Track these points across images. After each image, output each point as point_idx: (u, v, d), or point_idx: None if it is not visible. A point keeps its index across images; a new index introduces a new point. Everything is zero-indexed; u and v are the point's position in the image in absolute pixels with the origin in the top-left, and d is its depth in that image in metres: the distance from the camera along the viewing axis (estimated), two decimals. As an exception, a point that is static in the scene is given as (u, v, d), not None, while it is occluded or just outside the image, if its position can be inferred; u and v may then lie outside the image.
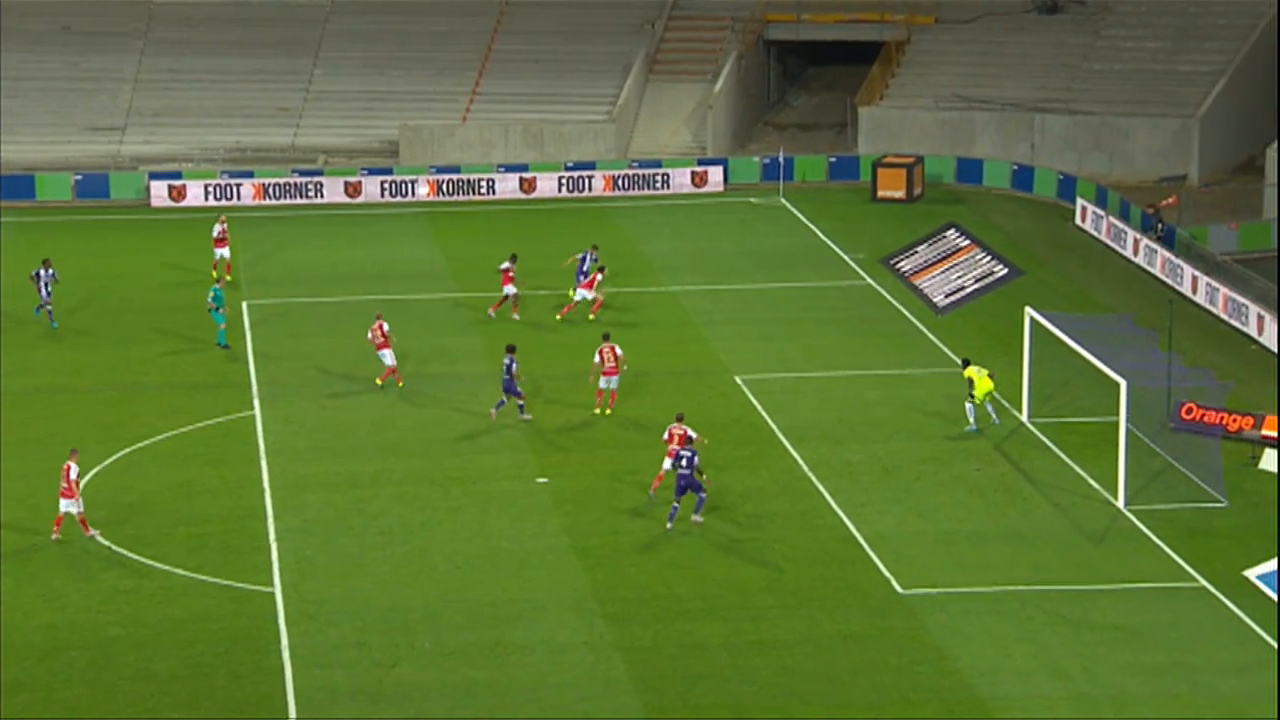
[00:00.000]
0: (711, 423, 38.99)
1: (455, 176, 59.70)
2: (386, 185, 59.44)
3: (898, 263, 51.90)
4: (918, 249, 52.57)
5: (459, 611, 31.27)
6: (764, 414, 39.90)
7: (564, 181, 59.41)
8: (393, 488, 36.28)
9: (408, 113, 63.55)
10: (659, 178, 59.52)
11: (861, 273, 51.28)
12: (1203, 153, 59.34)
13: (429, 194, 59.21)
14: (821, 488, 35.84)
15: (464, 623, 30.88)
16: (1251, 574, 31.91)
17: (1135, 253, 52.18)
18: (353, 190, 59.37)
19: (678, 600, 31.40)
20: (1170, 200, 53.35)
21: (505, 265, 45.48)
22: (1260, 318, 45.12)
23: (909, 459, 37.40)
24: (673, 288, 46.35)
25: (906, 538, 33.73)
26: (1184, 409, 38.68)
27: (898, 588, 31.89)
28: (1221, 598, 31.47)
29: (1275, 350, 43.40)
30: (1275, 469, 36.37)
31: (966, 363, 39.07)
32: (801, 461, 37.30)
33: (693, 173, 59.67)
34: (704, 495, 34.12)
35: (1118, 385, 35.14)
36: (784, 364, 43.05)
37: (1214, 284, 47.62)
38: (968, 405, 38.27)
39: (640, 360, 43.59)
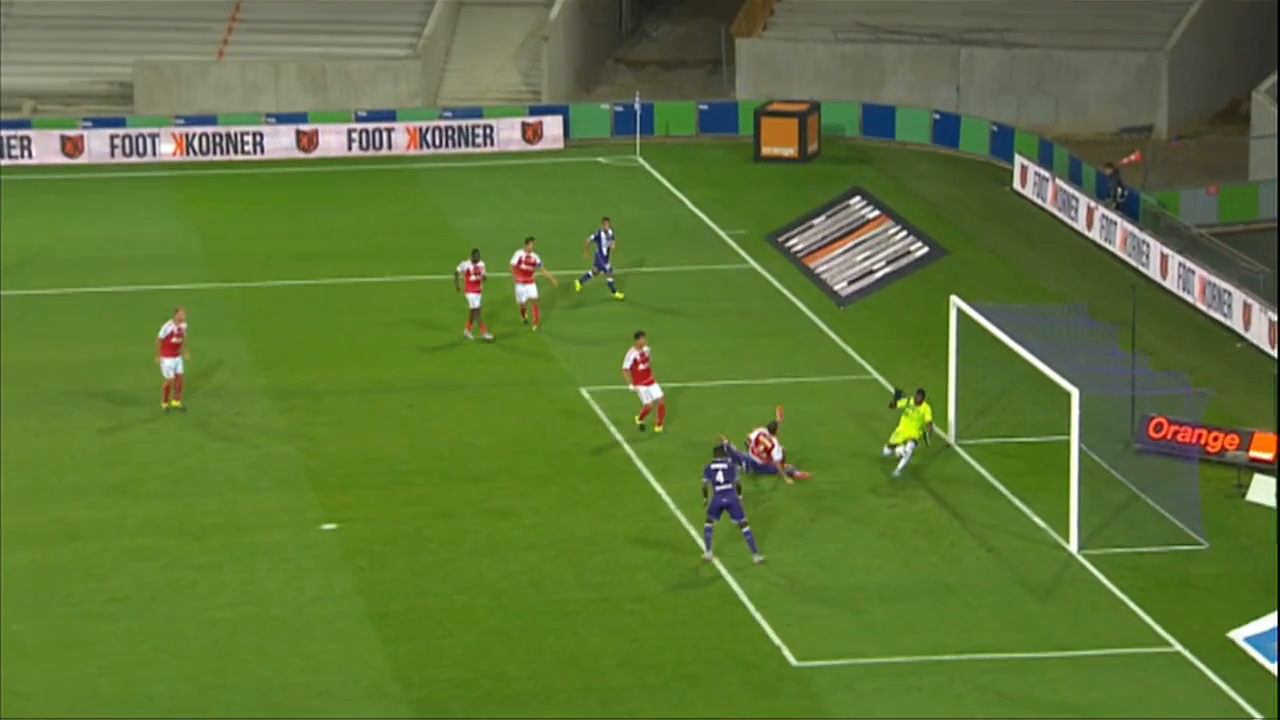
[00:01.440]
0: (551, 449, 39.47)
1: (209, 130, 59.25)
2: (118, 141, 58.84)
3: (788, 240, 52.27)
4: (813, 222, 52.98)
5: (218, 700, 30.98)
6: (618, 436, 40.10)
7: (355, 136, 59.32)
8: (127, 540, 35.94)
9: (145, 46, 62.87)
10: (479, 131, 59.62)
11: (742, 253, 51.59)
12: (1173, 96, 60.35)
13: (175, 153, 58.80)
14: (693, 531, 35.91)
15: (225, 715, 30.59)
16: (1238, 635, 32.26)
17: (1089, 225, 52.85)
18: (72, 148, 58.68)
19: (505, 681, 31.38)
20: (1132, 157, 54.18)
21: (464, 267, 44.61)
22: (1246, 307, 45.78)
23: (805, 492, 37.72)
24: (499, 274, 46.36)
25: (802, 594, 33.93)
26: (1152, 425, 39.13)
27: (791, 659, 32.04)
28: (1200, 665, 31.74)
29: (1275, 349, 43.90)
30: (1270, 500, 36.76)
31: (899, 394, 38.60)
32: (667, 498, 37.39)
33: (524, 125, 59.83)
34: (749, 529, 34.50)
35: (1068, 395, 35.46)
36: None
37: (1189, 264, 48.29)
38: (910, 446, 38.22)
39: (459, 370, 43.56)
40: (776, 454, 37.42)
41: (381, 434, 40.20)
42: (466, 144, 59.39)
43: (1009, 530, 36.27)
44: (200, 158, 58.90)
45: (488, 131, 59.53)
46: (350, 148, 59.18)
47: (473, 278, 44.72)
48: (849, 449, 39.52)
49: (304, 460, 38.99)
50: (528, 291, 45.29)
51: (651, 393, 39.91)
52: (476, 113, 60.13)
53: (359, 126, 59.38)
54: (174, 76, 61.77)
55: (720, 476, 34.41)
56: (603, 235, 46.83)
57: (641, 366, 39.78)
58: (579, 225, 53.38)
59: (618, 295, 46.89)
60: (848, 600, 33.69)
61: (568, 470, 38.54)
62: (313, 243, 51.72)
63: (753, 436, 37.51)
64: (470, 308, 44.86)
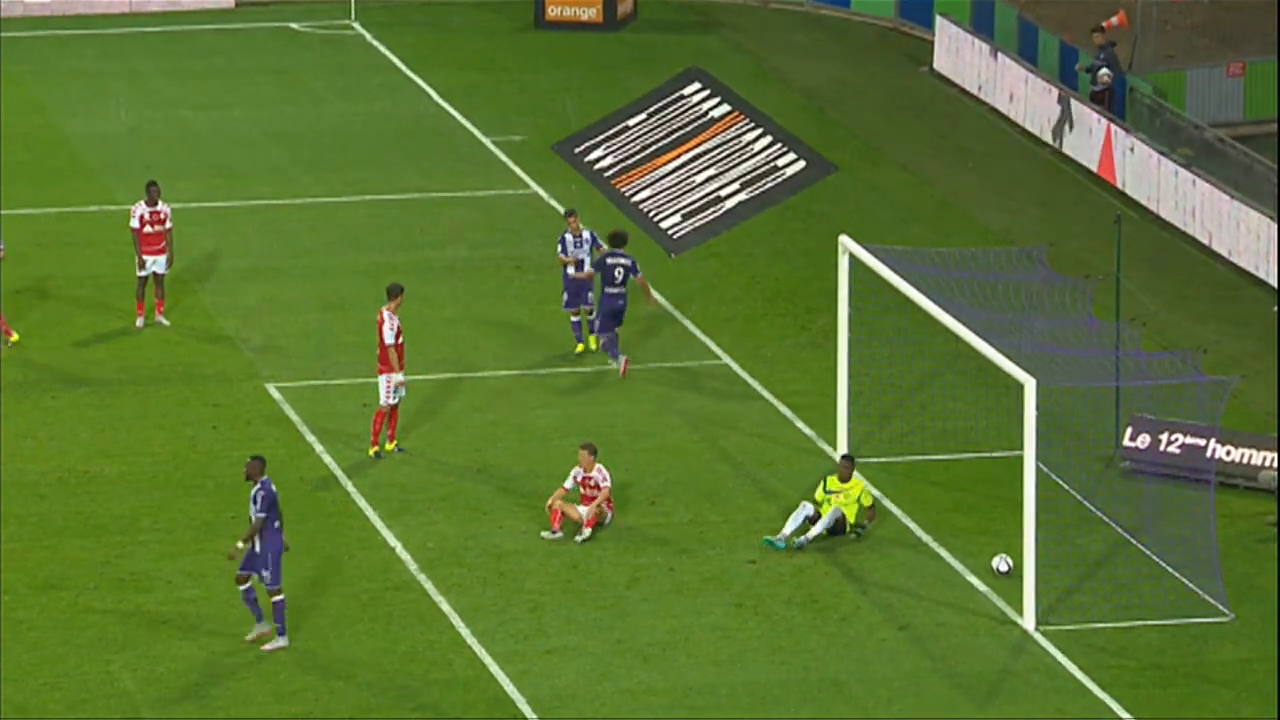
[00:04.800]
0: (221, 482, 39.39)
1: None
2: None
3: (590, 151, 52.07)
4: (628, 123, 52.75)
5: None
6: (327, 458, 40.24)
7: None
8: None
9: None
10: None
11: (518, 171, 51.89)
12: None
13: None
14: (444, 603, 35.99)
15: None
16: (1282, 750, 32.81)
17: (1056, 129, 53.41)
18: None
19: None
20: (1114, 19, 54.56)
21: (139, 210, 44.06)
22: (1289, 249, 46.67)
23: (612, 545, 37.72)
24: (131, 204, 45.75)
25: (612, 699, 33.86)
26: (1146, 432, 39.53)
27: (599, 799, 32.27)
28: (1223, 798, 32.58)
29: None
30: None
31: (848, 462, 38.32)
32: (404, 553, 37.51)
33: (169, -31, 60.38)
34: (282, 598, 34.61)
35: (1019, 387, 35.63)
36: (365, 357, 42.85)
37: (1201, 185, 48.83)
38: (811, 513, 37.87)
39: (70, 357, 43.46)
40: (601, 479, 37.79)
41: None
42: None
43: (931, 596, 36.35)
44: None
45: (110, -21, 59.95)
46: None
47: (149, 228, 44.29)
48: (686, 471, 39.54)
49: None
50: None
51: (395, 386, 40.06)
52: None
53: None
54: None
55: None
56: (569, 239, 45.31)
57: (401, 340, 40.10)
58: (253, 128, 52.81)
59: (579, 347, 45.08)
60: (685, 705, 33.52)
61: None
62: None
63: (575, 474, 37.77)
64: (140, 274, 44.41)
